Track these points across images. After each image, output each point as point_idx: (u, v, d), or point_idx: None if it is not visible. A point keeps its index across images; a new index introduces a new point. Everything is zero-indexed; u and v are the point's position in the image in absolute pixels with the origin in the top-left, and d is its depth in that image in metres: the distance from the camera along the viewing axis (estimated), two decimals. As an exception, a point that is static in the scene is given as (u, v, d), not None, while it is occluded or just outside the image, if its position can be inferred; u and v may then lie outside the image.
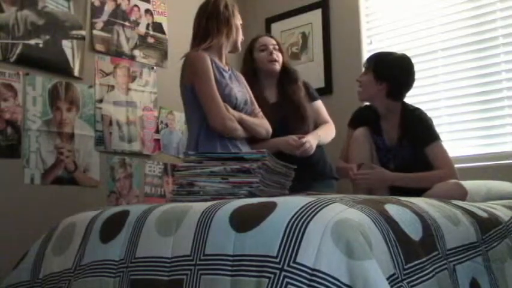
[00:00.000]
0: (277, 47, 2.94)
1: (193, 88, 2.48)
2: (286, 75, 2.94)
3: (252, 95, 2.69)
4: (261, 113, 2.64)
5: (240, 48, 2.72)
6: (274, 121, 2.70)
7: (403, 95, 2.52)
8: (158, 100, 3.37)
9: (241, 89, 2.62)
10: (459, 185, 2.24)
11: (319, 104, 3.03)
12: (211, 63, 2.49)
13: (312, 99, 2.99)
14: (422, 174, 2.35)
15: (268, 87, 2.94)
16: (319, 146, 2.82)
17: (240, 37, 2.66)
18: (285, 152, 2.60)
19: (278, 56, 2.91)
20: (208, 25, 2.56)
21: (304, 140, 2.67)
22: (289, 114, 2.84)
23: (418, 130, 2.43)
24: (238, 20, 2.64)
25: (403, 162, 2.48)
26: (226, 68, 2.62)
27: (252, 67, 2.93)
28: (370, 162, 2.53)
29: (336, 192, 2.87)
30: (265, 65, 2.90)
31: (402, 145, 2.47)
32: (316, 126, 2.94)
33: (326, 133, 2.91)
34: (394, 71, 2.48)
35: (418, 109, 2.54)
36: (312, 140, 2.72)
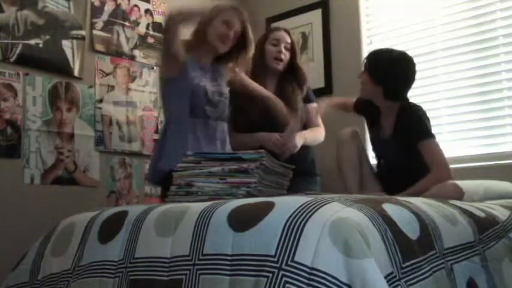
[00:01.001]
0: (288, 46, 2.94)
1: (168, 78, 2.57)
2: (293, 75, 2.95)
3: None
4: None
5: (219, 48, 2.60)
6: (263, 112, 2.77)
7: (402, 95, 2.51)
8: (158, 100, 3.37)
9: (217, 84, 2.61)
10: (456, 186, 2.23)
11: (313, 107, 3.01)
12: (186, 60, 2.51)
13: (308, 101, 2.99)
14: (415, 187, 2.29)
15: (270, 79, 2.96)
16: (305, 146, 2.85)
17: (218, 37, 2.57)
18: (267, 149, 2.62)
19: (285, 56, 2.92)
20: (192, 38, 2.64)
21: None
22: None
23: (412, 126, 2.40)
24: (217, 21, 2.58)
25: (393, 158, 2.48)
26: (204, 65, 2.62)
27: (261, 56, 2.93)
28: (359, 160, 2.55)
29: (320, 188, 2.93)
30: (270, 61, 2.92)
31: (393, 141, 2.47)
32: (305, 127, 2.94)
33: (314, 136, 2.93)
34: (390, 73, 2.45)
35: (415, 105, 2.51)
36: (296, 140, 2.74)
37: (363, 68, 2.60)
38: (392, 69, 2.46)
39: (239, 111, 2.85)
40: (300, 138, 2.78)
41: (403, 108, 2.48)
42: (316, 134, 2.94)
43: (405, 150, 2.39)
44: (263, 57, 2.92)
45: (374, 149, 2.64)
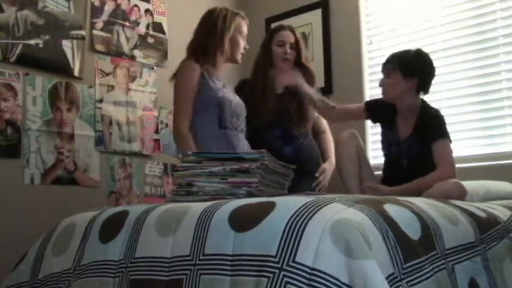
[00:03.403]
0: (293, 45, 2.96)
1: None
2: (303, 74, 2.95)
3: None
4: None
5: (240, 61, 2.77)
6: (276, 111, 2.86)
7: (429, 87, 2.56)
8: (158, 100, 3.38)
9: (235, 95, 2.72)
10: (459, 184, 2.25)
11: None
12: (203, 73, 2.59)
13: None
14: (418, 181, 2.35)
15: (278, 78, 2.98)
16: (310, 145, 2.94)
17: (239, 50, 2.72)
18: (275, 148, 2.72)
19: (291, 55, 2.95)
20: (205, 40, 2.65)
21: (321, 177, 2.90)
22: (291, 109, 2.91)
23: (430, 126, 2.46)
24: (237, 32, 2.69)
25: (411, 158, 2.50)
26: (219, 77, 2.70)
27: (268, 55, 2.97)
28: (358, 161, 2.57)
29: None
30: (278, 61, 2.95)
31: (412, 141, 2.50)
32: (315, 129, 3.03)
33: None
34: (421, 66, 2.52)
35: (434, 107, 2.59)
36: (327, 168, 2.95)
37: (384, 74, 2.60)
38: (424, 61, 2.53)
39: (250, 113, 2.87)
40: (331, 166, 2.95)
41: (424, 108, 2.54)
42: (333, 147, 2.98)
43: (425, 148, 2.43)
44: (270, 57, 2.95)
45: (388, 151, 2.65)
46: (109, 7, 3.21)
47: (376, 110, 2.70)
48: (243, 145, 2.65)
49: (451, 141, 2.47)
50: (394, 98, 2.59)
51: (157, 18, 3.48)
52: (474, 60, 3.12)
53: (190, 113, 2.56)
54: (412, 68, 2.50)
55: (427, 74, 2.53)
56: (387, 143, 2.64)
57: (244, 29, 2.75)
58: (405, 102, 2.55)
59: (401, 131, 2.57)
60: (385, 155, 2.68)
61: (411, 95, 2.53)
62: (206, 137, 2.55)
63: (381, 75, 2.61)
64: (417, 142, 2.48)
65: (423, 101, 2.58)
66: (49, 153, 2.83)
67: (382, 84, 2.60)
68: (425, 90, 2.55)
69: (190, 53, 2.68)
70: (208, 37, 2.65)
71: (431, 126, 2.47)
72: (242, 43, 2.74)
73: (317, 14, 3.72)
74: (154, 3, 3.47)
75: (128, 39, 3.29)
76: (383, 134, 2.69)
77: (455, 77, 3.17)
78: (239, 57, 2.75)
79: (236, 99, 2.69)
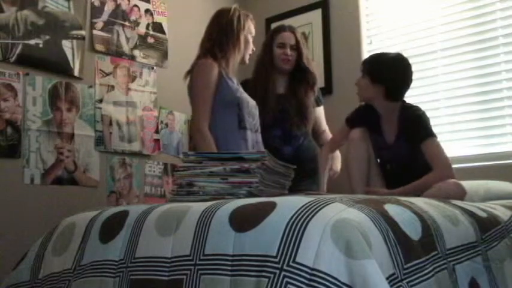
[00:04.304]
0: (294, 46, 2.96)
1: None
2: (304, 75, 2.98)
3: None
4: None
5: (247, 62, 2.77)
6: (276, 111, 2.87)
7: (401, 95, 2.52)
8: (158, 100, 3.38)
9: (249, 96, 2.70)
10: (458, 185, 2.24)
11: (321, 110, 3.13)
12: (221, 71, 2.57)
13: (318, 103, 3.08)
14: (417, 182, 2.33)
15: (279, 79, 2.99)
16: (310, 146, 2.96)
17: (249, 51, 2.72)
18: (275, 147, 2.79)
19: (292, 56, 2.95)
20: (220, 38, 2.63)
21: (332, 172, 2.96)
22: (291, 109, 2.91)
23: (414, 127, 2.42)
24: (249, 33, 2.70)
25: (401, 161, 2.49)
26: (233, 79, 2.69)
27: (270, 56, 2.98)
28: (367, 161, 2.56)
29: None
30: (279, 62, 2.96)
31: (399, 143, 2.48)
32: (315, 129, 3.06)
33: (339, 159, 3.06)
34: (389, 73, 2.47)
35: (414, 106, 2.54)
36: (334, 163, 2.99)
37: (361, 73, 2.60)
38: (393, 69, 2.48)
39: None
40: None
41: (404, 109, 2.50)
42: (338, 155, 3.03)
43: (414, 150, 2.41)
44: (272, 58, 2.96)
45: (378, 156, 2.63)
46: (109, 7, 3.21)
47: (357, 121, 2.67)
48: (261, 145, 2.66)
49: (437, 137, 2.43)
50: (364, 100, 2.59)
51: (157, 18, 3.48)
52: (474, 60, 3.12)
53: (209, 113, 2.53)
54: (378, 75, 2.47)
55: (396, 82, 2.48)
56: (377, 148, 2.62)
57: (253, 30, 2.75)
58: (376, 105, 2.54)
59: (387, 134, 2.55)
60: (379, 159, 2.67)
61: (379, 100, 2.51)
62: (226, 137, 2.53)
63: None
64: (404, 144, 2.46)
65: (403, 101, 2.56)
66: (49, 153, 2.83)
67: (357, 83, 2.59)
68: (395, 98, 2.49)
69: (205, 51, 2.64)
70: (224, 35, 2.63)
71: (415, 126, 2.42)
72: (251, 44, 2.74)
73: (317, 14, 3.72)
74: (154, 3, 3.47)
75: (127, 39, 3.29)
76: (371, 139, 2.66)
77: (455, 77, 3.18)
78: (247, 57, 2.74)
79: (251, 100, 2.68)
